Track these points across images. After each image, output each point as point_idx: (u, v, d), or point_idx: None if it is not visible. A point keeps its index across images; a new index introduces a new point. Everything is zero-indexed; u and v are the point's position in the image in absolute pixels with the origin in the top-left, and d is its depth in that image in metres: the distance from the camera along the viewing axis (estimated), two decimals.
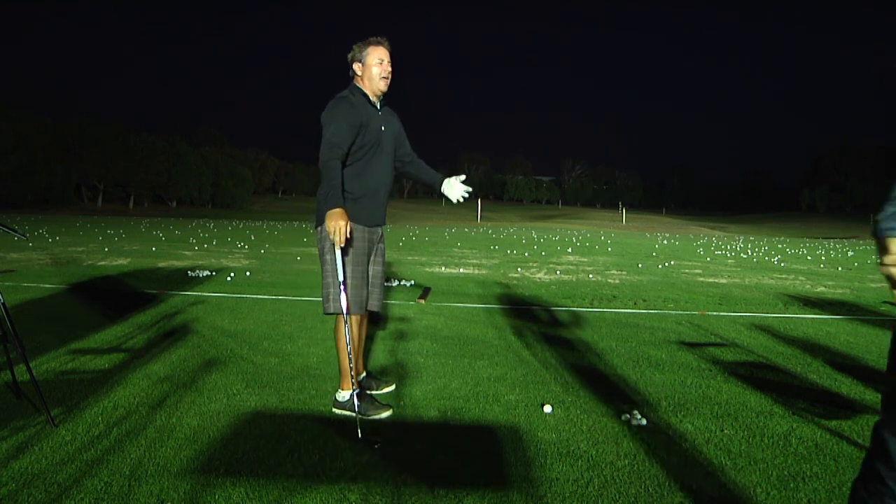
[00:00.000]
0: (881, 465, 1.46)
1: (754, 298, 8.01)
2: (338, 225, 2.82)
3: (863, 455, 2.67)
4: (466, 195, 3.42)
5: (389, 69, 3.11)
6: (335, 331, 3.13)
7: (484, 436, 2.84)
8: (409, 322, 5.57)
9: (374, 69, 3.07)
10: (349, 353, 3.02)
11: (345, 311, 2.99)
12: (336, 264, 3.00)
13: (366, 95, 3.11)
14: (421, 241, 21.56)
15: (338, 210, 2.85)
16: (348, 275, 3.04)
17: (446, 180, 3.41)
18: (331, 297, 3.07)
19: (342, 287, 3.00)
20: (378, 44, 3.10)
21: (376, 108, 3.14)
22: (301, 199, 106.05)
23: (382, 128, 3.14)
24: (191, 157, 73.05)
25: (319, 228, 3.11)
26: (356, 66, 3.11)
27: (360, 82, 3.12)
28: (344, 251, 3.01)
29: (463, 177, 3.46)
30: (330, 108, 3.02)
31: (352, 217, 3.04)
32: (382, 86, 3.10)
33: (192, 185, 72.33)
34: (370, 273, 3.19)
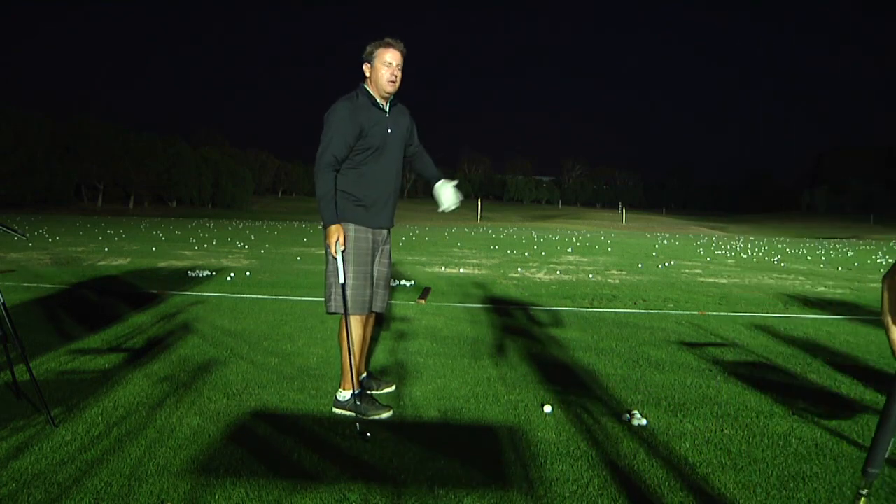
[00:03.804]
0: None
1: (754, 298, 8.01)
2: (331, 242, 2.99)
3: (863, 455, 2.67)
4: (456, 206, 3.29)
5: (398, 73, 3.03)
6: (339, 330, 3.12)
7: (484, 436, 2.84)
8: (409, 322, 5.57)
9: (381, 71, 3.01)
10: (350, 353, 3.02)
11: (345, 311, 3.01)
12: (337, 266, 3.02)
13: (372, 97, 3.07)
14: (421, 241, 21.56)
15: (333, 227, 2.98)
16: (349, 275, 3.04)
17: (441, 181, 3.31)
18: (332, 296, 3.07)
19: (343, 288, 3.01)
20: (389, 45, 3.02)
21: (383, 110, 3.10)
22: (301, 199, 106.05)
23: (389, 130, 3.10)
24: (191, 157, 73.06)
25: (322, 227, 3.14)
26: (365, 67, 3.06)
27: (369, 83, 3.08)
28: (346, 252, 3.03)
29: (456, 181, 3.35)
30: (331, 113, 3.00)
31: (355, 219, 3.05)
32: (389, 88, 3.03)
33: (192, 185, 72.33)
34: (374, 274, 3.19)
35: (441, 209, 3.30)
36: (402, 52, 3.06)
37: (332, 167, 2.98)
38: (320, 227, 3.17)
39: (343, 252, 3.02)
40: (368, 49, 3.05)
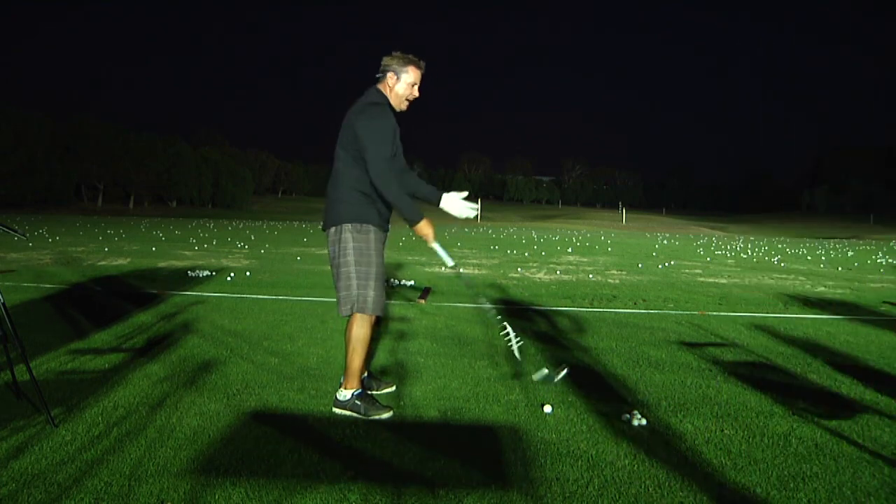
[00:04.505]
0: None
1: (754, 298, 8.01)
2: (428, 233, 3.12)
3: (863, 455, 2.67)
4: (473, 212, 3.34)
5: (417, 94, 3.18)
6: (349, 330, 3.12)
7: (484, 436, 2.84)
8: (409, 322, 5.57)
9: (407, 90, 3.13)
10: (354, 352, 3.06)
11: (354, 310, 3.09)
12: (443, 257, 3.15)
13: (391, 105, 3.15)
14: (421, 241, 21.52)
15: (424, 221, 3.09)
16: (372, 278, 3.09)
17: (445, 195, 3.34)
18: (350, 298, 3.08)
19: (366, 289, 3.07)
20: (420, 67, 3.15)
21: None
22: (301, 199, 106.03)
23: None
24: (191, 157, 73.07)
25: (335, 229, 3.12)
26: (390, 76, 3.12)
27: (385, 89, 3.14)
28: (366, 255, 3.07)
29: (465, 193, 3.40)
30: (377, 118, 3.02)
31: (374, 221, 3.08)
32: (405, 107, 3.17)
33: (192, 185, 72.36)
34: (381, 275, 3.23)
35: (469, 207, 3.32)
36: (423, 74, 3.19)
37: (391, 170, 3.03)
38: (320, 227, 3.20)
39: (366, 254, 3.09)
40: (397, 61, 3.11)
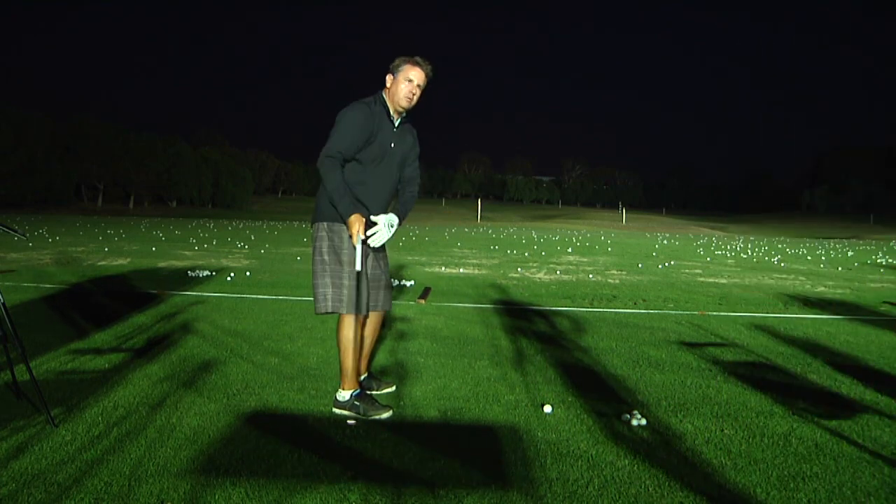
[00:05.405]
0: None
1: (754, 298, 8.01)
2: (353, 231, 2.98)
3: (863, 455, 2.67)
4: (379, 241, 3.08)
5: (417, 91, 3.11)
6: (337, 332, 3.13)
7: (484, 436, 2.84)
8: (409, 322, 5.57)
9: (401, 85, 3.09)
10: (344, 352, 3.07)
11: (329, 310, 3.08)
12: (353, 258, 3.04)
13: (387, 108, 3.13)
14: (421, 241, 21.55)
15: (353, 217, 2.98)
16: (345, 276, 3.07)
17: (392, 214, 3.16)
18: (320, 296, 3.09)
19: (342, 287, 3.05)
20: (417, 64, 3.10)
21: (392, 123, 3.15)
22: (301, 199, 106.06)
23: (392, 144, 3.15)
24: (191, 157, 73.07)
25: (314, 227, 3.17)
26: (388, 77, 3.14)
27: (387, 93, 3.15)
28: (338, 254, 3.08)
29: (395, 227, 3.17)
30: (346, 113, 3.04)
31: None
32: (405, 103, 3.11)
33: (192, 185, 72.37)
34: (369, 275, 3.19)
35: (368, 233, 3.06)
36: (426, 74, 3.13)
37: (337, 161, 3.00)
38: (313, 225, 3.20)
39: (339, 251, 3.06)
40: (396, 62, 3.13)
